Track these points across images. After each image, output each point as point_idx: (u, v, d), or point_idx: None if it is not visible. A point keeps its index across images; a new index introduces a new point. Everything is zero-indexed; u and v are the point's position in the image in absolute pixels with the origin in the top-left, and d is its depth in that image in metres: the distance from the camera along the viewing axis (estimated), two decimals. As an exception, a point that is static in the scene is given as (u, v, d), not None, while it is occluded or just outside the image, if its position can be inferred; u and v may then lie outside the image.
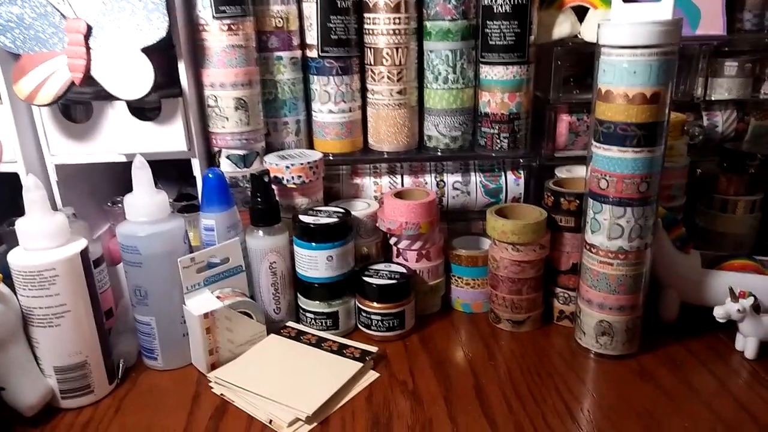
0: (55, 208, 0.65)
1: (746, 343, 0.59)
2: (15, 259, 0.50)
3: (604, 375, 0.58)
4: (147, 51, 0.57)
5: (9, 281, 0.51)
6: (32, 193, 0.50)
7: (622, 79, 0.51)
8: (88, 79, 0.57)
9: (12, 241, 0.53)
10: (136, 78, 0.56)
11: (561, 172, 0.70)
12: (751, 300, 0.57)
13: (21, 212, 0.51)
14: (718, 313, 0.58)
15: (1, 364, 0.50)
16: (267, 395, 0.53)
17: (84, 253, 0.52)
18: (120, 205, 0.69)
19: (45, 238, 0.51)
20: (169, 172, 0.77)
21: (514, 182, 0.73)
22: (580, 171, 0.68)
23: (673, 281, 0.63)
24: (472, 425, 0.51)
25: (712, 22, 0.69)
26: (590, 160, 0.56)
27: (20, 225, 0.51)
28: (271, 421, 0.51)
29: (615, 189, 0.55)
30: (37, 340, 0.52)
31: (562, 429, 0.50)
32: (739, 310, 0.57)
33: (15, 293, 0.51)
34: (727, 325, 0.59)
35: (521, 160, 0.73)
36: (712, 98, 0.73)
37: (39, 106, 0.59)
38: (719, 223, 0.73)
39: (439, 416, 0.52)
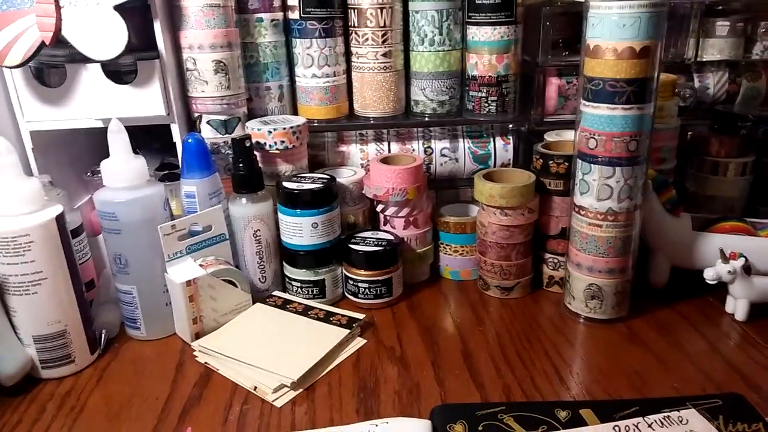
0: (30, 175, 0.63)
1: (736, 305, 0.58)
2: (-13, 225, 0.49)
3: (593, 339, 0.57)
4: (120, 10, 0.54)
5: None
6: (3, 157, 0.49)
7: (611, 33, 0.50)
8: (58, 39, 0.55)
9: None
10: (108, 38, 0.54)
11: (550, 137, 0.69)
12: (741, 261, 0.57)
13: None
14: (709, 274, 0.58)
15: (-23, 334, 0.49)
16: (252, 362, 0.52)
17: (60, 219, 0.51)
18: (100, 175, 0.67)
19: (18, 203, 0.49)
20: (152, 142, 0.75)
21: (502, 148, 0.72)
22: (569, 135, 0.67)
23: (662, 244, 0.62)
24: (460, 389, 0.50)
25: (704, -21, 0.67)
26: (579, 120, 0.55)
27: (-9, 190, 0.49)
28: (255, 388, 0.50)
29: (604, 148, 0.53)
30: (14, 308, 0.51)
31: (551, 390, 0.50)
32: (729, 271, 0.57)
33: (-11, 261, 0.50)
34: (717, 288, 0.59)
35: (510, 125, 0.72)
36: (704, 59, 0.72)
37: (9, 67, 0.56)
38: (710, 185, 0.72)
39: (427, 381, 0.51)
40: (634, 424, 0.44)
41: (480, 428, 0.44)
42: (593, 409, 0.46)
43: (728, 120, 0.71)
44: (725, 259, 0.57)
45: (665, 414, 0.45)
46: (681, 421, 0.44)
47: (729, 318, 0.59)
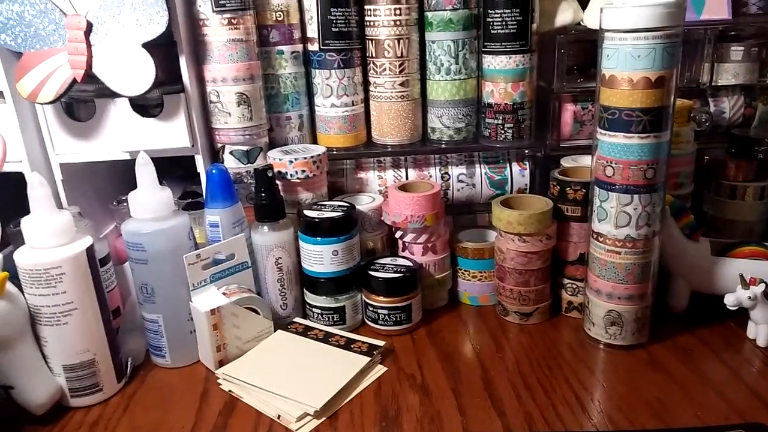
0: (60, 207, 0.65)
1: (758, 331, 0.58)
2: (21, 257, 0.50)
3: (614, 365, 0.57)
4: (148, 47, 0.56)
5: (16, 281, 0.51)
6: (36, 190, 0.50)
7: (626, 64, 0.51)
8: (89, 76, 0.57)
9: (19, 242, 0.53)
10: (137, 74, 0.56)
11: (566, 162, 0.69)
12: (762, 287, 0.57)
13: (27, 213, 0.51)
14: (729, 300, 0.58)
15: (10, 363, 0.51)
16: (275, 391, 0.53)
17: (90, 251, 0.52)
18: (125, 204, 0.69)
19: (51, 236, 0.51)
20: (174, 170, 0.77)
21: (519, 173, 0.73)
22: (585, 161, 0.68)
23: (682, 270, 0.63)
24: (481, 417, 0.50)
25: (717, 7, 0.68)
26: (596, 147, 0.56)
27: (26, 223, 0.51)
28: (279, 417, 0.51)
29: (621, 176, 0.54)
30: (45, 338, 0.52)
31: (573, 419, 0.50)
32: (750, 297, 0.57)
33: (22, 292, 0.51)
34: (739, 314, 0.59)
35: (526, 151, 0.73)
36: (719, 84, 0.72)
37: (41, 104, 0.59)
38: (728, 210, 0.72)
39: (448, 409, 0.52)
40: (657, 454, 0.44)
41: (503, 458, 0.44)
42: (616, 439, 0.46)
43: (745, 144, 0.71)
44: (745, 284, 0.57)
45: (689, 444, 0.45)
46: (705, 451, 0.44)
47: (750, 344, 0.59)
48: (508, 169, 0.73)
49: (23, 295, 0.51)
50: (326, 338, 0.61)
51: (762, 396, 0.51)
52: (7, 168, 0.62)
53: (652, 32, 0.49)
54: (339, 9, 0.67)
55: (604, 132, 0.54)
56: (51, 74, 0.57)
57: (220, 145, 0.68)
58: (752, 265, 0.60)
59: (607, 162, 0.55)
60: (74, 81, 0.57)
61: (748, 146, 0.71)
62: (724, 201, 0.72)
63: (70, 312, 0.51)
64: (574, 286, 0.65)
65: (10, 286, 0.50)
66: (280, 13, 0.68)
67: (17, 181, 0.61)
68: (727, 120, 0.74)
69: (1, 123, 0.61)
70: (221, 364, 0.58)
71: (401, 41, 0.68)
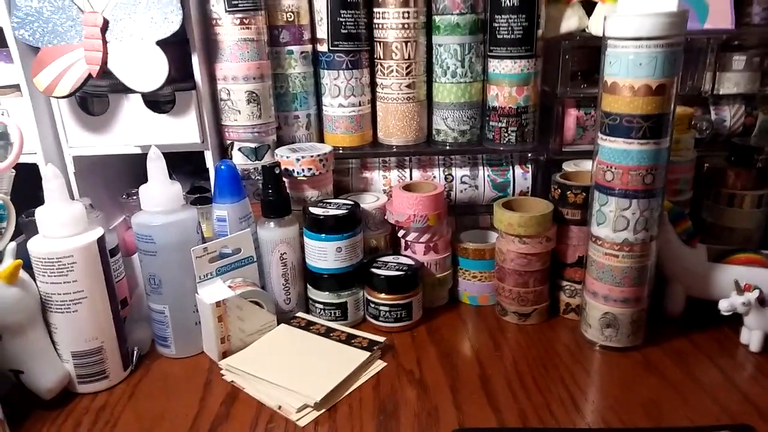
0: (72, 199, 0.66)
1: (751, 337, 0.59)
2: (34, 246, 0.52)
3: (609, 367, 0.58)
4: (161, 44, 0.58)
5: (28, 269, 0.53)
6: (51, 182, 0.52)
7: (627, 71, 0.52)
8: (104, 71, 0.58)
9: (31, 232, 0.54)
10: (150, 70, 0.58)
11: (568, 167, 0.71)
12: (756, 293, 0.58)
13: (41, 204, 0.53)
14: (723, 305, 0.58)
15: (21, 348, 0.52)
16: (276, 382, 0.54)
17: (101, 241, 0.54)
18: (135, 197, 0.71)
19: (64, 226, 0.52)
20: (183, 166, 0.79)
21: (521, 176, 0.74)
22: (587, 165, 0.69)
23: (678, 275, 0.64)
24: (477, 414, 0.51)
25: (720, 16, 0.69)
26: (596, 152, 0.57)
27: (40, 213, 0.52)
28: (280, 407, 0.52)
29: (621, 181, 0.55)
30: (55, 325, 0.54)
31: (567, 419, 0.51)
32: (744, 303, 0.58)
33: (34, 280, 0.53)
34: (733, 319, 0.60)
35: (529, 154, 0.74)
36: (720, 92, 0.73)
37: (57, 98, 0.60)
38: (726, 217, 0.73)
39: (445, 405, 0.53)
40: (647, 453, 0.45)
41: (497, 452, 0.45)
42: (607, 437, 0.47)
43: (745, 152, 0.72)
44: (740, 290, 0.58)
45: (678, 443, 0.46)
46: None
47: (744, 349, 0.60)
48: (511, 171, 0.74)
49: (35, 283, 0.53)
50: (327, 333, 0.63)
51: (753, 399, 0.52)
52: (23, 159, 0.64)
53: (654, 41, 0.51)
54: (348, 11, 0.69)
55: (604, 137, 0.55)
56: (67, 69, 0.59)
57: (229, 142, 0.69)
58: (747, 272, 0.61)
59: (606, 167, 0.56)
60: (89, 76, 0.58)
61: (748, 155, 0.72)
62: (723, 208, 0.73)
63: (80, 300, 0.53)
64: (573, 288, 0.66)
65: (23, 274, 0.52)
66: (291, 13, 0.69)
67: (32, 172, 0.63)
68: (728, 128, 0.75)
69: (17, 116, 0.63)
70: (225, 355, 0.59)
71: (409, 44, 0.70)
